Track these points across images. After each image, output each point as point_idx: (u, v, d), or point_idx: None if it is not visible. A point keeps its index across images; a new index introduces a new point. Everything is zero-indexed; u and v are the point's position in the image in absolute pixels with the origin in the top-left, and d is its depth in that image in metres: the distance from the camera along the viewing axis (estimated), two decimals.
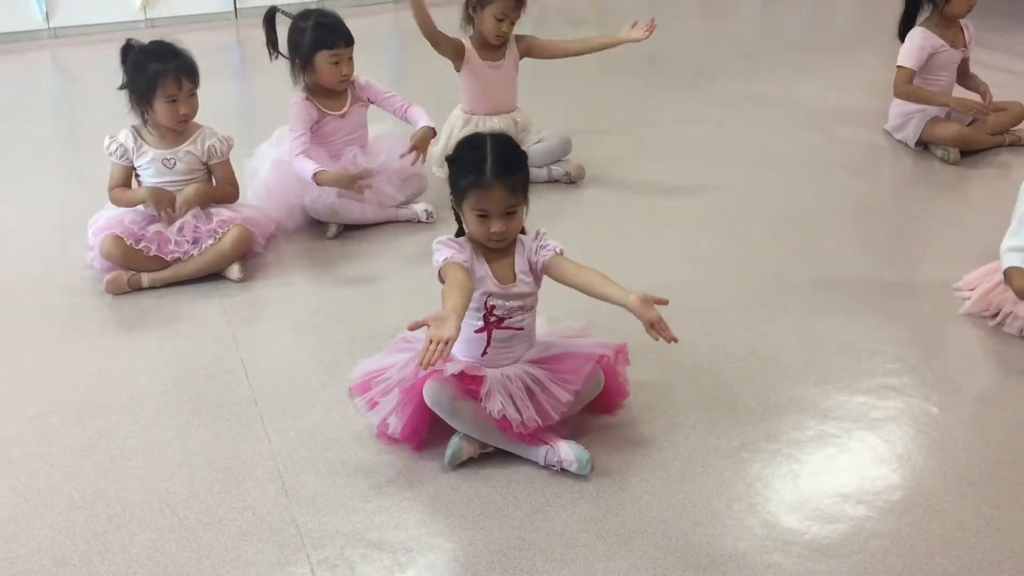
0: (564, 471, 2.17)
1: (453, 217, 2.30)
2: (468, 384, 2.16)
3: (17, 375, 2.63)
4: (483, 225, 2.16)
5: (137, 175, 3.11)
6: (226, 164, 3.14)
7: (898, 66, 3.95)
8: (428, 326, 1.93)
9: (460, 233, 2.28)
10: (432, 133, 3.42)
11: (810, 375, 2.54)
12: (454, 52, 3.70)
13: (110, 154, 3.06)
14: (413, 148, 3.34)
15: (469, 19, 3.71)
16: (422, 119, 3.42)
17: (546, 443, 2.18)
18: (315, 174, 3.19)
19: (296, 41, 3.34)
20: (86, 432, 2.36)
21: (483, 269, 2.21)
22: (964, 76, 4.07)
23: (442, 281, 2.17)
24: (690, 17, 6.94)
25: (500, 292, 2.21)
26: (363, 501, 2.10)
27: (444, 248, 2.17)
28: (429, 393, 2.16)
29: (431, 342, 1.90)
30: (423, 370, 2.04)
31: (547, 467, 2.18)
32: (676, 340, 2.08)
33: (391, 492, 2.13)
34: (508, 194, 2.15)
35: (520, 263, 2.24)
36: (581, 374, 2.19)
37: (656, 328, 2.08)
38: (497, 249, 2.22)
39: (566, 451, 2.17)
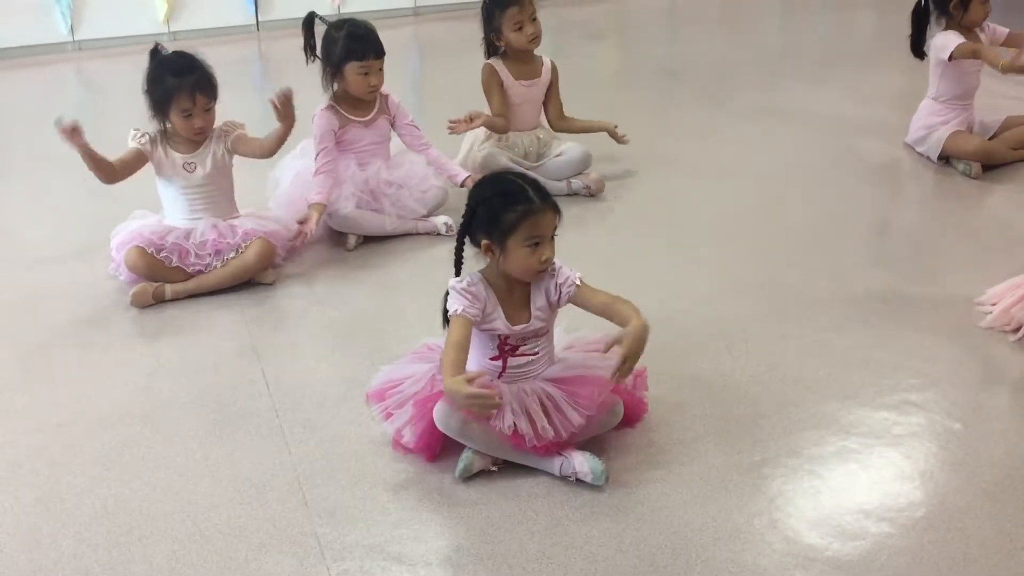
0: (580, 482, 2.17)
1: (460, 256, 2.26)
2: None
3: (41, 385, 2.65)
4: (534, 255, 2.14)
5: (162, 183, 3.14)
6: (242, 135, 3.16)
7: (952, 55, 3.84)
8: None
9: (458, 273, 2.26)
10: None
11: (831, 390, 2.53)
12: (500, 87, 3.73)
13: (132, 137, 3.10)
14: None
15: (495, 47, 3.75)
16: (452, 165, 3.56)
17: (561, 454, 2.19)
18: (310, 204, 3.29)
19: (328, 50, 3.39)
20: (109, 442, 2.37)
21: (497, 313, 2.20)
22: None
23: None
24: (710, 30, 6.95)
25: (513, 333, 2.22)
26: (383, 514, 2.11)
27: (459, 298, 2.16)
28: (439, 416, 2.17)
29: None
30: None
31: (563, 478, 2.18)
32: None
33: (411, 505, 2.13)
34: (554, 216, 2.17)
35: (538, 299, 2.23)
36: (596, 401, 2.19)
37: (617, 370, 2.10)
38: (515, 289, 2.22)
39: (581, 462, 2.17)
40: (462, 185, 3.44)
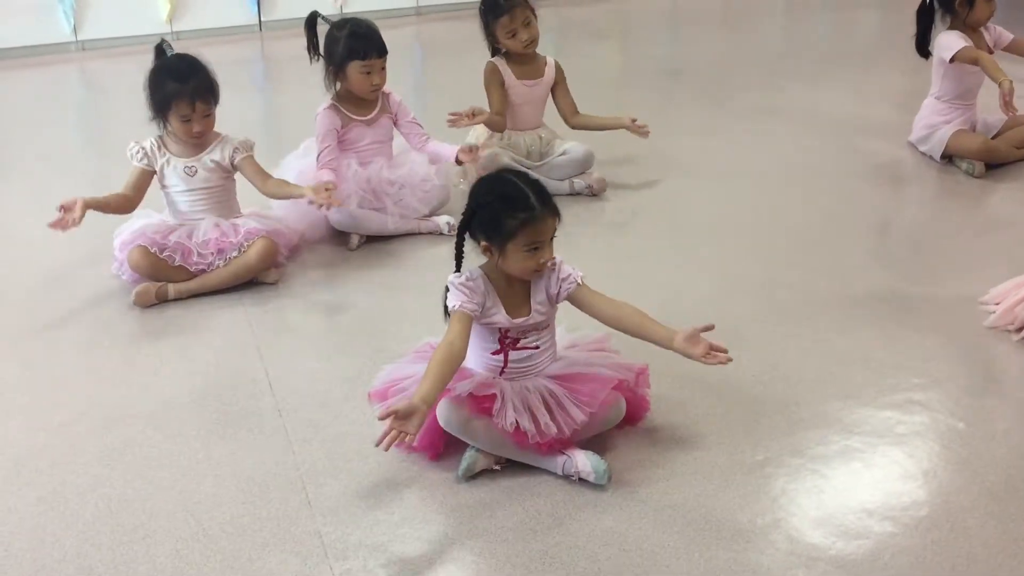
0: (583, 481, 2.17)
1: (461, 253, 2.25)
2: (481, 403, 2.16)
3: (43, 385, 2.65)
4: (532, 258, 2.15)
5: (164, 185, 3.16)
6: (251, 159, 3.17)
7: (953, 57, 3.84)
8: (396, 413, 1.92)
9: (458, 268, 2.26)
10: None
11: (834, 390, 2.53)
12: (500, 86, 3.74)
13: (131, 156, 3.12)
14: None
15: (496, 48, 3.78)
16: (444, 147, 3.53)
17: (563, 453, 2.19)
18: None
19: (330, 49, 3.39)
20: (112, 442, 2.38)
21: (497, 307, 2.20)
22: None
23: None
24: (710, 30, 6.95)
25: (513, 327, 2.22)
26: (386, 513, 2.11)
27: (458, 293, 2.16)
28: (441, 414, 2.17)
29: (392, 430, 1.92)
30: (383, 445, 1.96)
31: (565, 477, 2.18)
32: (731, 360, 2.10)
33: (414, 504, 2.14)
34: (554, 221, 2.16)
35: (538, 294, 2.23)
36: (598, 398, 2.20)
37: (709, 359, 2.08)
38: (515, 284, 2.22)
39: (583, 461, 2.17)
40: (458, 162, 3.45)
